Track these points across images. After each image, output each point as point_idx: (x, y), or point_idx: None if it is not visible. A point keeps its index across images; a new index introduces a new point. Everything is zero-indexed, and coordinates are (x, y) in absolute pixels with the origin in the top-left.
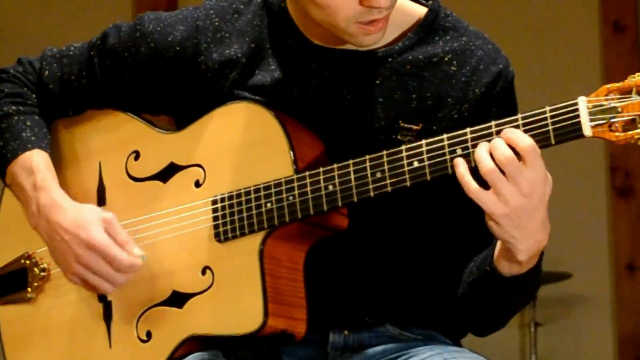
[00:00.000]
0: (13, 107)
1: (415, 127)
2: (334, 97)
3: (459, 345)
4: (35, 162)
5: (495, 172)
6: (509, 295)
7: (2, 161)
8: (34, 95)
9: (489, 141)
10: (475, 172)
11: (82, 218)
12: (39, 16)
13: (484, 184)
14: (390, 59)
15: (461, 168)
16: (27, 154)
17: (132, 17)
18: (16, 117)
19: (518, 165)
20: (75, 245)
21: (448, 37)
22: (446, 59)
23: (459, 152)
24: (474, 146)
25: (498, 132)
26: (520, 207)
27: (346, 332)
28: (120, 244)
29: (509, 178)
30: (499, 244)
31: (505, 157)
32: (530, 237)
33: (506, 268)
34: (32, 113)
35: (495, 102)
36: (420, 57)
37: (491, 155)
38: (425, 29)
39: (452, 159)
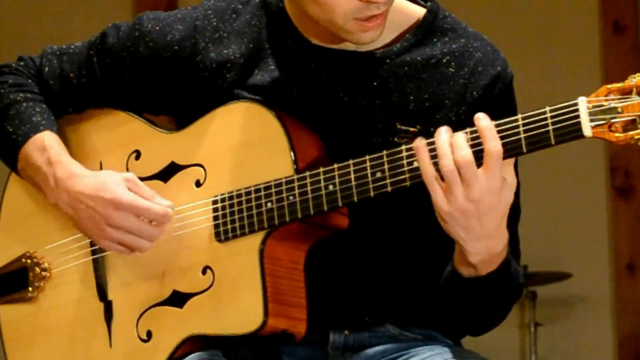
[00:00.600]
0: (21, 94)
1: (412, 129)
2: (332, 98)
3: (459, 345)
4: (48, 140)
5: (454, 172)
6: (474, 296)
7: (13, 146)
8: (37, 87)
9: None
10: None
11: (103, 180)
12: (39, 16)
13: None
14: (388, 60)
15: (422, 154)
16: (39, 135)
17: (132, 17)
18: (25, 104)
19: (475, 170)
20: (102, 209)
21: (446, 39)
22: (444, 60)
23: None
24: (473, 146)
25: (498, 132)
26: (466, 210)
27: (346, 332)
28: (148, 198)
29: (463, 180)
30: (455, 246)
31: (464, 160)
32: (478, 242)
33: (464, 270)
34: (40, 101)
35: (494, 104)
36: (419, 58)
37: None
38: (424, 31)
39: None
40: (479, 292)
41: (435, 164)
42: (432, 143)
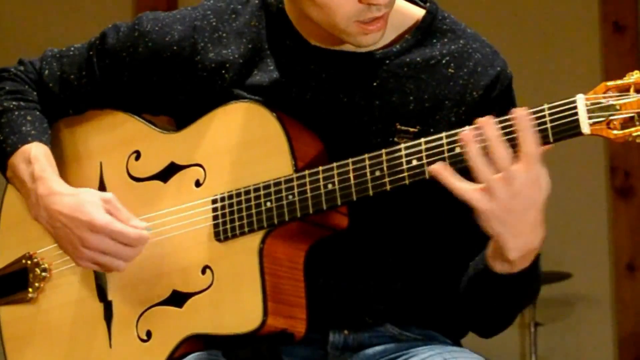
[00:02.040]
0: (14, 103)
1: (412, 130)
2: (332, 99)
3: (459, 345)
4: (34, 153)
5: (491, 174)
6: (503, 294)
7: (2, 155)
8: (35, 93)
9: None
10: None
11: (80, 201)
12: (39, 16)
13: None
14: (387, 61)
15: (443, 174)
16: (27, 146)
17: (132, 17)
18: (17, 112)
19: (513, 166)
20: (78, 230)
21: (446, 40)
22: (444, 61)
23: (458, 150)
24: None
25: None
26: (508, 205)
27: (346, 332)
28: (123, 221)
29: (502, 179)
30: (491, 242)
31: (502, 160)
32: (520, 237)
33: (498, 266)
34: (33, 109)
35: (494, 104)
36: (418, 59)
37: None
38: (423, 31)
39: (450, 157)
40: (513, 289)
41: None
42: (433, 141)
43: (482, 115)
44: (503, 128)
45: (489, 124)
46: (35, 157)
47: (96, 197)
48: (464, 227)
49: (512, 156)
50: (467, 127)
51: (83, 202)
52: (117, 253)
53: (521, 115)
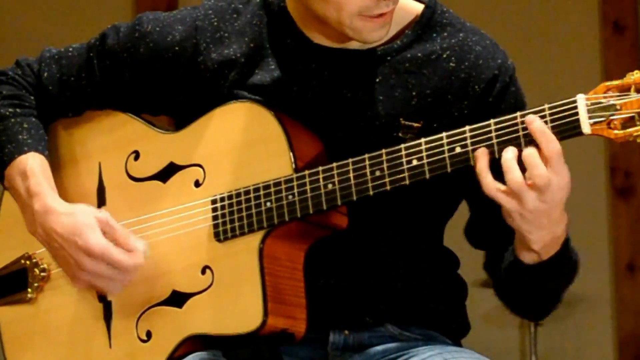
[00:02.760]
0: (10, 110)
1: (416, 125)
2: (334, 96)
3: (459, 345)
4: (30, 165)
5: (524, 184)
6: (540, 281)
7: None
8: (32, 97)
9: (514, 142)
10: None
11: (77, 223)
12: (39, 16)
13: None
14: (389, 57)
15: (481, 163)
16: (23, 157)
17: (132, 18)
18: (13, 120)
19: (549, 180)
20: (75, 253)
21: (445, 34)
22: (444, 55)
23: (458, 150)
24: (473, 144)
25: (497, 130)
26: (538, 210)
27: (346, 332)
28: (120, 242)
29: (536, 188)
30: (515, 236)
31: (542, 176)
32: (543, 230)
33: (526, 257)
34: (30, 115)
35: (501, 99)
36: (419, 54)
37: (520, 164)
38: (423, 26)
39: (451, 157)
40: (545, 275)
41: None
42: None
43: (485, 109)
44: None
45: (506, 151)
46: (31, 170)
47: (92, 219)
48: (475, 226)
49: (548, 175)
50: (466, 127)
51: (79, 224)
52: (113, 278)
53: (539, 129)
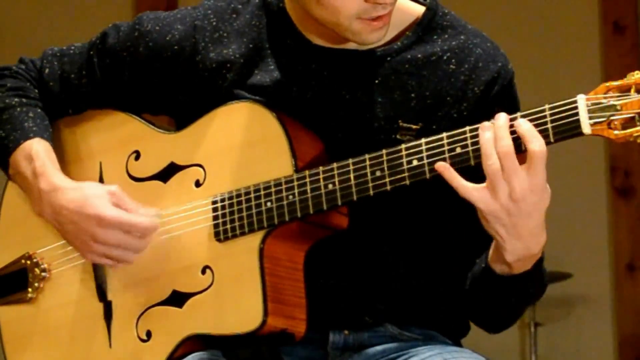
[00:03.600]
0: (16, 99)
1: (414, 127)
2: (333, 97)
3: (459, 345)
4: (35, 149)
5: (499, 170)
6: (504, 293)
7: (4, 151)
8: (36, 90)
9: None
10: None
11: (86, 195)
12: (39, 16)
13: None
14: (389, 58)
15: (447, 173)
16: (28, 142)
17: (132, 17)
18: (19, 109)
19: (515, 164)
20: (86, 225)
21: (446, 36)
22: (445, 57)
23: (458, 150)
24: (473, 144)
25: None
26: (509, 209)
27: (346, 332)
28: (131, 211)
29: (505, 175)
30: (492, 243)
31: (504, 150)
32: (519, 240)
33: (497, 267)
34: (35, 106)
35: (497, 100)
36: (419, 55)
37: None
38: (424, 28)
39: (451, 157)
40: (511, 290)
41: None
42: (434, 141)
43: (483, 111)
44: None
45: (501, 125)
46: (36, 153)
47: (101, 190)
48: (463, 227)
49: (514, 155)
50: (467, 127)
51: (89, 196)
52: (128, 245)
53: (526, 127)
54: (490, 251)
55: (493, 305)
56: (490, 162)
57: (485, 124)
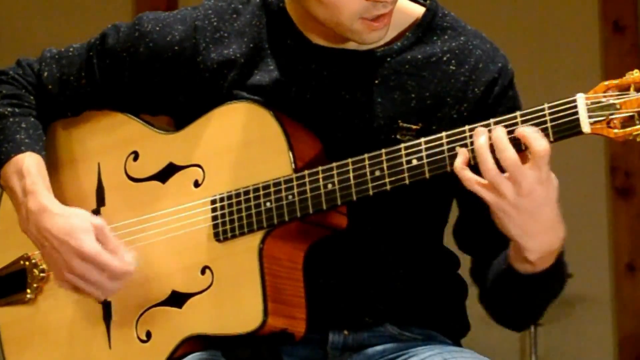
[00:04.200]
0: (9, 109)
1: (414, 127)
2: (333, 97)
3: (459, 345)
4: (26, 165)
5: (497, 174)
6: (529, 291)
7: None
8: (31, 97)
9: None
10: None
11: (72, 225)
12: (39, 17)
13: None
14: (389, 59)
15: (458, 161)
16: (20, 156)
17: (131, 17)
18: (11, 119)
19: (522, 168)
20: (66, 254)
21: (446, 37)
22: (445, 58)
23: (458, 149)
24: (473, 143)
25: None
26: (518, 205)
27: (346, 332)
28: (111, 251)
29: (511, 178)
30: (511, 243)
31: (511, 161)
32: (535, 238)
33: (520, 267)
34: (28, 115)
35: (498, 102)
36: (419, 56)
37: (493, 151)
38: (424, 29)
39: (450, 157)
40: (537, 287)
41: (474, 167)
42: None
43: (484, 112)
44: (509, 126)
45: (499, 135)
46: (27, 169)
47: (87, 223)
48: (463, 227)
49: (519, 162)
50: (466, 127)
51: (74, 226)
52: (100, 284)
53: (527, 129)
54: (510, 252)
55: (520, 305)
56: (487, 168)
57: (479, 129)
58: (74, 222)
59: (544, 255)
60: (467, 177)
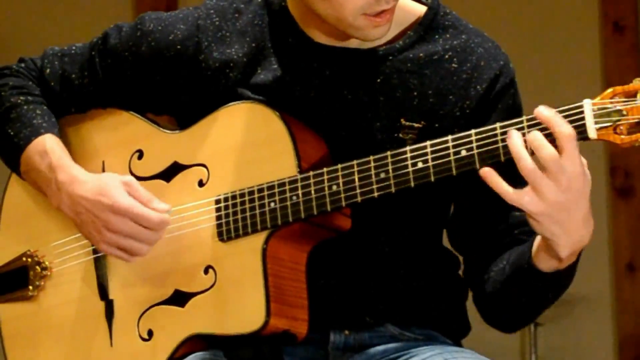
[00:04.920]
0: (21, 97)
1: (417, 125)
2: (336, 96)
3: (459, 345)
4: (49, 144)
5: (537, 171)
6: (546, 290)
7: (15, 150)
8: (39, 89)
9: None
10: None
11: (102, 185)
12: (39, 17)
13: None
14: (391, 57)
15: (494, 179)
16: (40, 138)
17: (132, 17)
18: (26, 107)
19: (560, 162)
20: (101, 213)
21: (448, 35)
22: (446, 56)
23: (464, 153)
24: (479, 147)
25: (503, 134)
26: (559, 203)
27: (347, 332)
28: (144, 203)
29: (550, 175)
30: (537, 240)
31: (550, 156)
32: (572, 234)
33: (545, 264)
34: (41, 103)
35: (499, 99)
36: (421, 55)
37: (529, 150)
38: (425, 27)
39: (456, 161)
40: (555, 284)
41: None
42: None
43: (485, 109)
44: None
45: (537, 136)
46: (51, 148)
47: (117, 181)
48: (464, 229)
49: (558, 157)
50: (472, 130)
51: (105, 185)
52: (140, 236)
53: (549, 114)
54: (534, 250)
55: (527, 304)
56: (525, 164)
57: (513, 131)
58: (103, 182)
59: (575, 250)
60: (508, 191)
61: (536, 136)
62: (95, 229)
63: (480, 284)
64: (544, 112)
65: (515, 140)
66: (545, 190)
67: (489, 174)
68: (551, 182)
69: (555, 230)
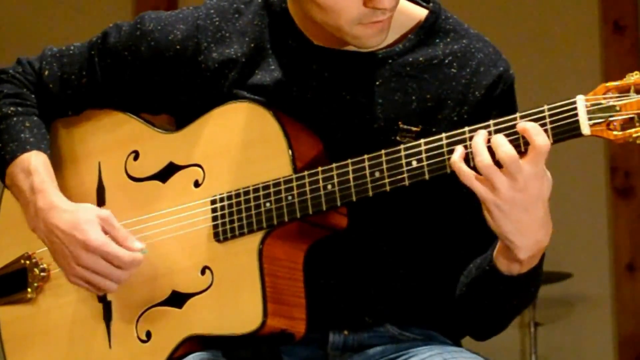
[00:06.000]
0: (12, 108)
1: (414, 129)
2: (334, 98)
3: (458, 345)
4: (34, 163)
5: (492, 166)
6: (508, 295)
7: (1, 163)
8: (33, 96)
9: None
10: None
11: (78, 218)
12: (39, 16)
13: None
14: (390, 61)
15: (455, 155)
16: (26, 155)
17: (132, 17)
18: (15, 118)
19: (519, 162)
20: (73, 247)
21: (448, 39)
22: (446, 61)
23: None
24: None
25: (497, 132)
26: (513, 200)
27: (346, 332)
28: (120, 241)
29: (506, 173)
30: (498, 243)
31: (507, 154)
32: (528, 235)
33: (505, 266)
34: (31, 114)
35: (495, 104)
36: (421, 58)
37: (490, 149)
38: (426, 31)
39: (450, 159)
40: (518, 289)
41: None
42: (433, 142)
43: (483, 115)
44: (509, 128)
45: (477, 134)
46: (34, 168)
47: (93, 215)
48: (463, 228)
49: (517, 158)
50: (466, 128)
51: (80, 220)
52: (109, 274)
53: (531, 125)
54: (495, 252)
55: (492, 309)
56: (482, 161)
57: (480, 130)
58: (80, 216)
59: (534, 253)
60: (463, 170)
61: (498, 137)
62: (65, 260)
63: (453, 286)
64: (527, 123)
65: (477, 138)
66: (497, 183)
67: (456, 154)
68: (506, 178)
69: (510, 228)
